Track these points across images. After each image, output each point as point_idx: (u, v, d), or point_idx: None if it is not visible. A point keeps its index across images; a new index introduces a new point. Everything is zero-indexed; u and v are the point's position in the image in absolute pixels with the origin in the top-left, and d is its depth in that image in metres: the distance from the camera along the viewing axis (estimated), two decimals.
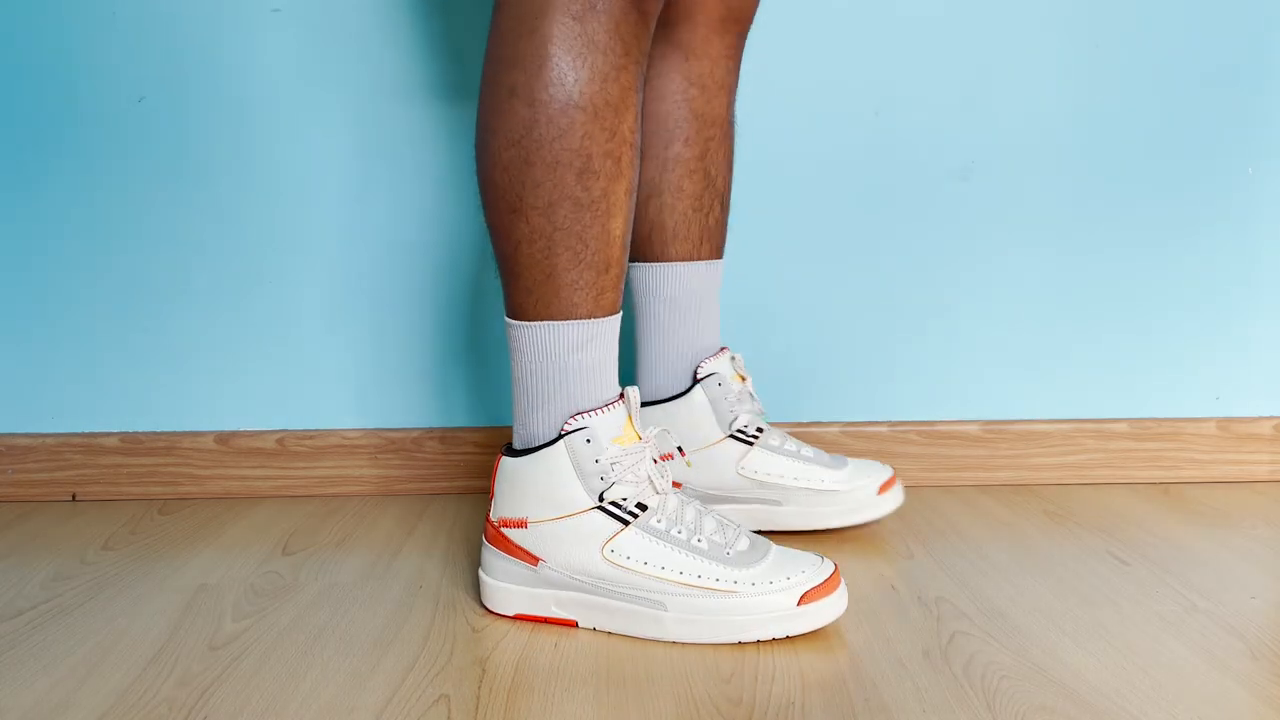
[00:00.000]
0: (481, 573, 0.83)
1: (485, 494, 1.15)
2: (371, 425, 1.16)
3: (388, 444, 1.15)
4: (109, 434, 1.14)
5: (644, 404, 0.99)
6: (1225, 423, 1.17)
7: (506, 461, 0.80)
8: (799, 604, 0.75)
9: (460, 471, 1.15)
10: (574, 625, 0.79)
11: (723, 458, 0.97)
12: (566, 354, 0.77)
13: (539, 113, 0.73)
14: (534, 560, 0.79)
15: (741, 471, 0.97)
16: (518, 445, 0.81)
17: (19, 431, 1.15)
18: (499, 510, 0.81)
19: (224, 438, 1.15)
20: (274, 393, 1.15)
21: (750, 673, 0.71)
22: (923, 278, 1.15)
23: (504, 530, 0.81)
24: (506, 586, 0.81)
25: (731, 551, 0.77)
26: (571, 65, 0.72)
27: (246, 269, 1.13)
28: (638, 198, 0.90)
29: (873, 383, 1.17)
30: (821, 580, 0.76)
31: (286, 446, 1.15)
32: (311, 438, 1.15)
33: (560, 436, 0.77)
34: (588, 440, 0.77)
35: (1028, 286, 1.16)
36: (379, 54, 1.10)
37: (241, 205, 1.12)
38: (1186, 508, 1.08)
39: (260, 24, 1.09)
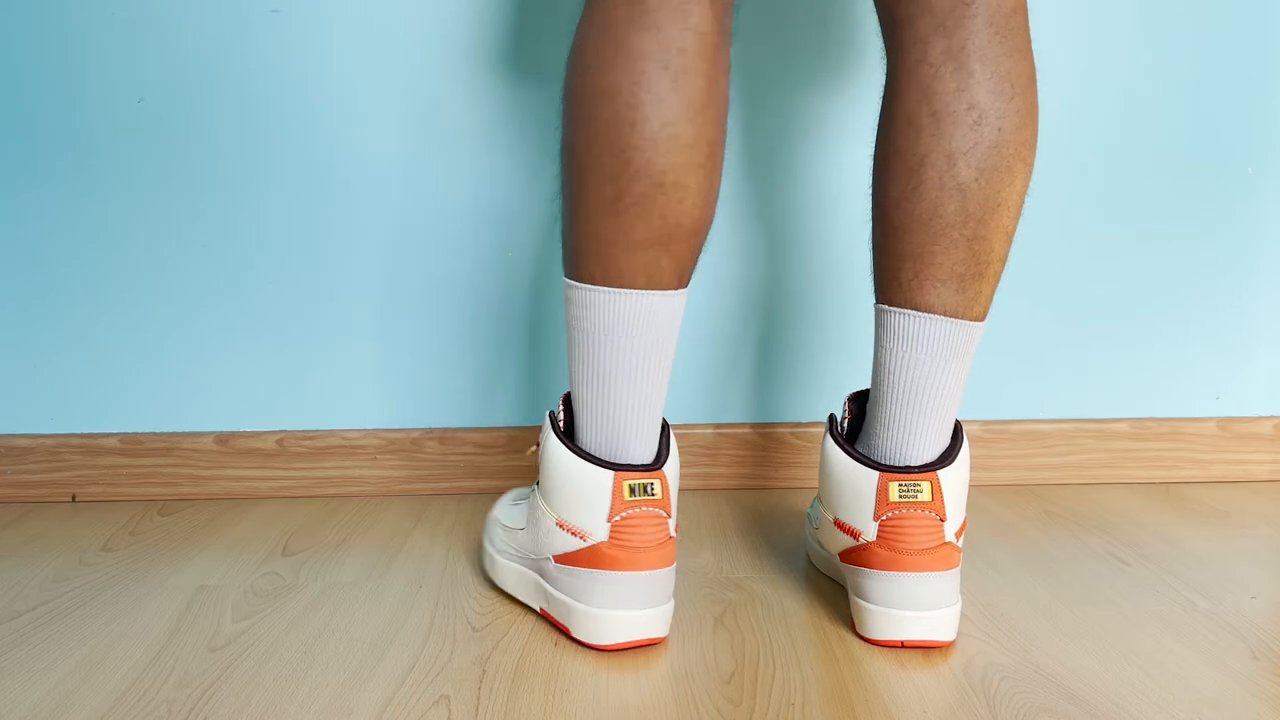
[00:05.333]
0: None
1: (484, 494, 1.15)
2: (371, 425, 1.16)
3: (388, 444, 1.15)
4: (109, 434, 1.14)
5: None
6: (1225, 423, 1.17)
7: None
8: None
9: (460, 472, 1.15)
10: None
11: None
12: None
13: None
14: None
15: None
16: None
17: (19, 432, 1.15)
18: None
19: (224, 438, 1.15)
20: (274, 393, 1.15)
21: (750, 673, 0.71)
22: None
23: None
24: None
25: None
26: None
27: (245, 269, 1.13)
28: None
29: None
30: None
31: (286, 447, 1.15)
32: (311, 438, 1.15)
33: None
34: None
35: (1028, 286, 1.16)
36: (378, 54, 1.10)
37: (241, 206, 1.12)
38: (1186, 508, 1.08)
39: (260, 24, 1.09)
